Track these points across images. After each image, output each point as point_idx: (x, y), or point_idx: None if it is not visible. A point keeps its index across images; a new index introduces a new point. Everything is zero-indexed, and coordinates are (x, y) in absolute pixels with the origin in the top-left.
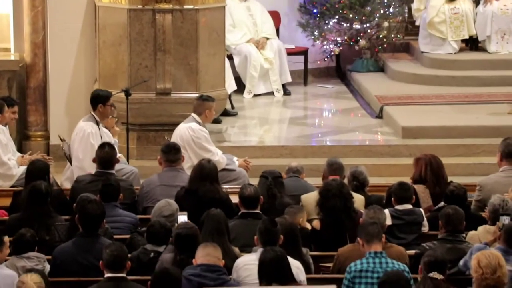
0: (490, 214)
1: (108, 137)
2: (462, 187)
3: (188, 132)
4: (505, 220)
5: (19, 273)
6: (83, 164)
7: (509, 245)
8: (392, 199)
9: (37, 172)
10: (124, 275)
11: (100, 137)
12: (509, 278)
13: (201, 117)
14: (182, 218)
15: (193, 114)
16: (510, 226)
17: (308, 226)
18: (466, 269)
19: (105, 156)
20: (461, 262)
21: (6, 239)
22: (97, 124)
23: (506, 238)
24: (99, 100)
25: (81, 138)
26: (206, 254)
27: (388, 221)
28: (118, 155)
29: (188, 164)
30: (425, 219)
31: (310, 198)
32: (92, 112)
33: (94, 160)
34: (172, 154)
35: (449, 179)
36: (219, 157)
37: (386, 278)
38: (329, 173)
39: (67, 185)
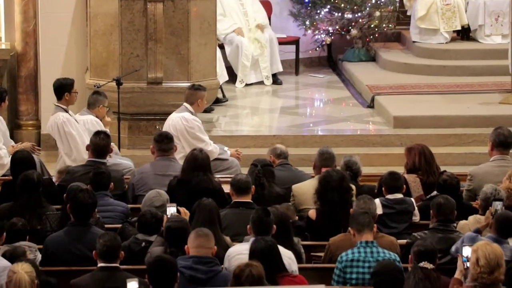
0: (481, 203)
1: (99, 126)
2: (455, 176)
3: (182, 121)
4: (497, 205)
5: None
6: (77, 155)
7: (500, 234)
8: (383, 188)
9: (21, 162)
10: (117, 264)
11: (74, 120)
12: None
13: (193, 107)
14: (172, 209)
15: (185, 104)
16: (501, 215)
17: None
18: (458, 254)
19: (100, 143)
20: (453, 248)
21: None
22: (66, 111)
23: (497, 227)
24: (64, 88)
25: (58, 132)
26: (198, 246)
27: (379, 211)
28: (111, 144)
29: (181, 154)
30: (416, 208)
31: (302, 188)
32: (57, 103)
33: (87, 148)
34: (164, 143)
35: (441, 169)
36: (212, 147)
37: (378, 268)
38: (320, 162)
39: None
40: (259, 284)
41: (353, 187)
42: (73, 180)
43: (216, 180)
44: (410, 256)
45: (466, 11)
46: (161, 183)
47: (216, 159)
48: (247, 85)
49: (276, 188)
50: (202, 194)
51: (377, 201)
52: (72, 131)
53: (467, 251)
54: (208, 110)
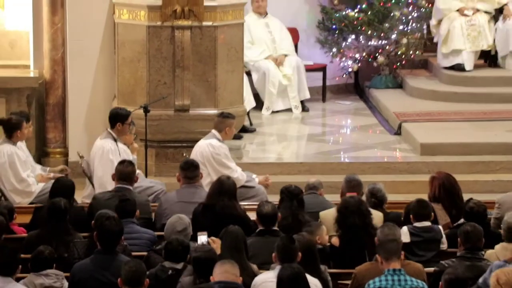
0: (504, 232)
1: (126, 154)
2: (482, 204)
3: (208, 148)
4: None
5: None
6: (103, 181)
7: None
8: (411, 216)
9: (62, 189)
10: None
11: (119, 153)
12: None
13: (221, 134)
14: (203, 238)
15: (213, 131)
16: None
17: (328, 243)
18: (486, 286)
19: (124, 170)
20: (481, 280)
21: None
22: (115, 141)
23: None
24: (118, 118)
25: (101, 156)
26: (224, 271)
27: (407, 239)
28: (137, 171)
29: (207, 180)
30: (443, 236)
31: (328, 215)
32: (109, 130)
33: (113, 177)
34: (190, 170)
35: (468, 196)
36: (238, 174)
37: None
38: (347, 189)
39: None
40: None
41: (378, 213)
42: (99, 205)
43: (241, 207)
44: (440, 283)
45: (494, 39)
46: (186, 211)
47: (243, 186)
48: (273, 112)
49: (306, 217)
50: (227, 220)
51: (405, 229)
52: (114, 161)
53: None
54: (236, 137)
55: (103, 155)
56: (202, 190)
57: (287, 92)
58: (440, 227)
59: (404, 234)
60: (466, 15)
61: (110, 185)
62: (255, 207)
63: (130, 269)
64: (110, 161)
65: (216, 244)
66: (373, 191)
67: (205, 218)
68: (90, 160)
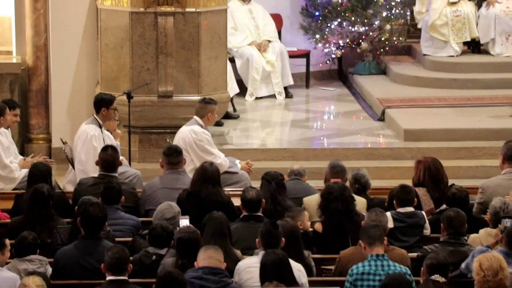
0: (491, 217)
1: (110, 140)
2: (464, 189)
3: (191, 134)
4: (507, 222)
5: (21, 276)
6: (86, 167)
7: (511, 248)
8: (394, 202)
9: (39, 174)
10: (126, 277)
11: (103, 140)
12: (511, 280)
13: (203, 120)
14: (184, 221)
15: (195, 117)
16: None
17: (310, 228)
18: (468, 271)
19: (108, 158)
20: (463, 265)
21: (7, 241)
22: (100, 127)
23: (508, 241)
24: (103, 103)
25: (84, 141)
26: (208, 257)
27: (390, 224)
28: (121, 158)
29: (190, 167)
30: (427, 221)
31: (312, 201)
32: (95, 115)
33: (97, 163)
34: (174, 156)
35: (451, 181)
36: (221, 160)
37: (388, 281)
38: (331, 175)
39: (70, 188)
40: None
41: (362, 199)
42: (83, 191)
43: (225, 193)
44: (422, 269)
45: (477, 24)
46: (170, 197)
47: (226, 172)
48: (257, 98)
49: (288, 201)
50: (211, 207)
51: (388, 214)
52: (97, 147)
53: None
54: (218, 124)
55: (86, 141)
56: (185, 176)
57: (271, 79)
58: (423, 212)
59: (388, 220)
60: (452, 4)
61: (93, 171)
62: (239, 192)
63: (113, 255)
64: (93, 148)
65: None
66: (357, 177)
67: (190, 204)
68: (74, 144)
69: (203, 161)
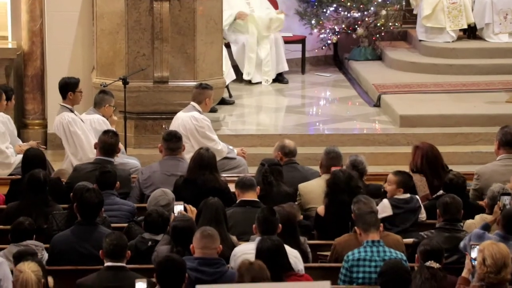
0: (489, 201)
1: (106, 125)
2: (461, 175)
3: (191, 121)
4: (505, 200)
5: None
6: (78, 155)
7: (507, 231)
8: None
9: (33, 159)
10: (123, 264)
11: (80, 120)
12: None
13: (200, 106)
14: (179, 207)
15: (192, 103)
16: (509, 212)
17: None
18: (466, 250)
19: (108, 141)
20: (461, 245)
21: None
22: (71, 111)
23: (505, 223)
24: (68, 87)
25: (64, 133)
26: (203, 247)
27: (390, 211)
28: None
29: (190, 153)
30: (421, 206)
31: (308, 187)
32: (62, 103)
33: (95, 146)
34: (173, 142)
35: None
36: (221, 146)
37: (386, 268)
38: (327, 161)
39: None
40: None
41: None
42: (79, 177)
43: (222, 179)
44: (416, 255)
45: (472, 9)
46: (168, 183)
47: (224, 158)
48: (252, 83)
49: (284, 187)
50: (208, 193)
51: (386, 201)
52: (77, 130)
53: (475, 252)
54: (212, 110)
55: (66, 131)
56: (184, 162)
57: (262, 67)
58: (418, 197)
59: (386, 207)
60: None
61: (88, 155)
62: (236, 178)
63: (111, 242)
64: (74, 134)
65: (193, 214)
66: (355, 163)
67: (187, 191)
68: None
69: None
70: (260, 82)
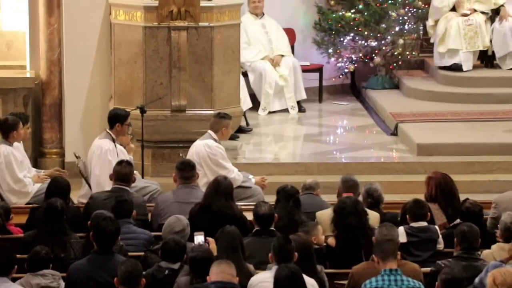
0: (502, 233)
1: (124, 154)
2: (478, 204)
3: (205, 148)
4: None
5: None
6: (101, 180)
7: None
8: (407, 216)
9: (58, 189)
10: None
11: (117, 154)
12: None
13: (217, 135)
14: (199, 238)
15: (209, 131)
16: None
17: (324, 243)
18: (482, 286)
19: (122, 171)
20: (477, 280)
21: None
22: (113, 141)
23: None
24: (117, 119)
25: (99, 156)
26: (220, 272)
27: (404, 239)
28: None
29: (203, 181)
30: (440, 236)
31: (325, 215)
32: (108, 130)
33: (111, 177)
34: (186, 171)
35: (465, 196)
36: (235, 174)
37: None
38: (343, 190)
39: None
40: None
41: (375, 213)
42: (95, 205)
43: (238, 207)
44: (436, 283)
45: (491, 40)
46: (183, 211)
47: (239, 186)
48: (270, 112)
49: (302, 216)
50: (223, 221)
51: (401, 229)
52: (113, 162)
53: None
54: (233, 138)
55: (101, 155)
56: (198, 190)
57: (284, 93)
58: (437, 227)
59: (401, 234)
60: (464, 15)
61: (108, 185)
62: (252, 207)
63: (126, 269)
64: (108, 161)
65: (212, 245)
66: (370, 191)
67: (202, 218)
68: (88, 159)
69: (216, 175)
70: (278, 111)
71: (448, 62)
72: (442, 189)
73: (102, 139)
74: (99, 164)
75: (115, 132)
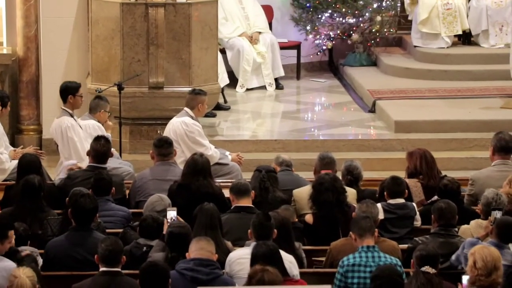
0: (483, 208)
1: (101, 131)
2: (456, 181)
3: (182, 126)
4: (497, 214)
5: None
6: (72, 160)
7: (501, 240)
8: (385, 193)
9: (28, 165)
10: (119, 269)
11: (79, 126)
12: (504, 272)
13: (194, 111)
14: (172, 213)
15: (185, 108)
16: (502, 220)
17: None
18: (458, 263)
19: (100, 149)
20: (453, 257)
21: (11, 233)
22: (71, 116)
23: (498, 232)
24: (69, 91)
25: (62, 137)
26: (199, 248)
27: (381, 215)
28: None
29: (181, 158)
30: (417, 213)
31: (302, 193)
32: (63, 106)
33: (88, 153)
34: (164, 148)
35: (443, 173)
36: (212, 151)
37: (378, 272)
38: (320, 167)
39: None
40: None
41: (352, 190)
42: (73, 185)
43: (216, 184)
44: (412, 260)
45: (467, 16)
46: (160, 188)
47: (217, 163)
48: (248, 89)
49: (279, 193)
50: (202, 199)
51: (379, 205)
52: (74, 137)
53: None
54: (210, 115)
55: (63, 136)
56: (176, 167)
57: (261, 70)
58: (414, 204)
59: (379, 211)
60: None
61: (83, 163)
62: (230, 184)
63: (107, 247)
64: (71, 140)
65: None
66: (350, 168)
67: (181, 197)
68: (54, 140)
69: (194, 152)
70: (255, 88)
71: (427, 45)
72: (427, 162)
73: (59, 117)
74: (65, 146)
75: (69, 105)
